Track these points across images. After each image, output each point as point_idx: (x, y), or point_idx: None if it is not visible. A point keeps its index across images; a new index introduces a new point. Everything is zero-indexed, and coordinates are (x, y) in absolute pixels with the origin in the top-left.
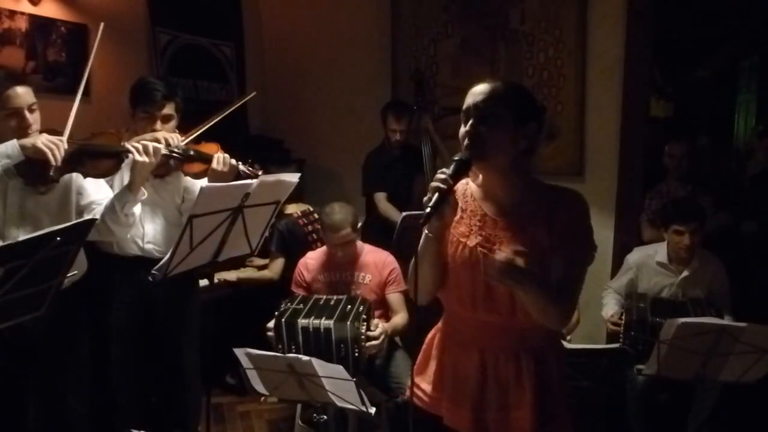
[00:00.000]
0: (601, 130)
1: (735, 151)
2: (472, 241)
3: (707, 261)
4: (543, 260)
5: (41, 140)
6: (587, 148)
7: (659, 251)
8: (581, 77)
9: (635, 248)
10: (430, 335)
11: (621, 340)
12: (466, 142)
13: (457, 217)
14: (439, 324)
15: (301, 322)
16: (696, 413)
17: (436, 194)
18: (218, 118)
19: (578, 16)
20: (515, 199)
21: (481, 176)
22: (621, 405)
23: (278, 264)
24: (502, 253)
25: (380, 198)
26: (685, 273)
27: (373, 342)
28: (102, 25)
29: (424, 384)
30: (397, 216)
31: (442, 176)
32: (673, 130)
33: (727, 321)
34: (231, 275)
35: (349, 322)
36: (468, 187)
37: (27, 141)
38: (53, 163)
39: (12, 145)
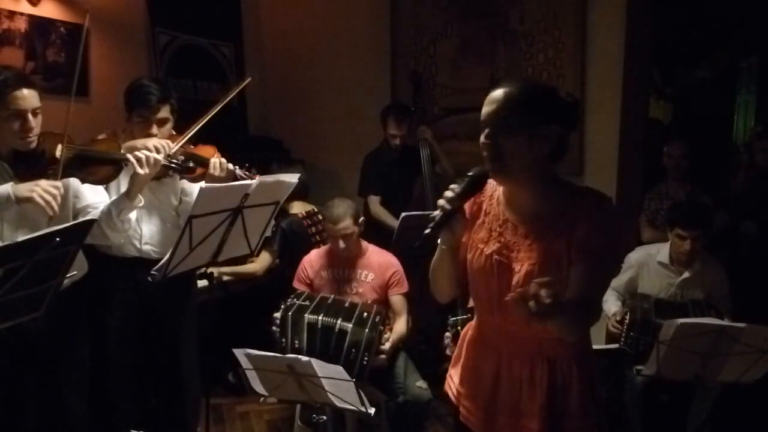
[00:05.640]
0: (601, 130)
1: (734, 151)
2: (489, 249)
3: (708, 264)
4: (560, 271)
5: (37, 193)
6: (587, 148)
7: (661, 251)
8: (581, 78)
9: (637, 247)
10: (465, 328)
11: (621, 340)
12: (484, 153)
13: (479, 221)
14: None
15: (308, 317)
16: (695, 413)
17: (440, 214)
18: (211, 113)
19: (578, 17)
20: (537, 206)
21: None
22: (620, 405)
23: (266, 258)
24: (534, 287)
25: (374, 201)
26: (686, 275)
27: (382, 356)
28: (87, 15)
29: (456, 377)
30: (388, 219)
31: (450, 195)
32: (672, 131)
33: (726, 322)
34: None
35: (367, 330)
36: (497, 190)
37: (23, 192)
38: (51, 214)
39: (6, 192)
